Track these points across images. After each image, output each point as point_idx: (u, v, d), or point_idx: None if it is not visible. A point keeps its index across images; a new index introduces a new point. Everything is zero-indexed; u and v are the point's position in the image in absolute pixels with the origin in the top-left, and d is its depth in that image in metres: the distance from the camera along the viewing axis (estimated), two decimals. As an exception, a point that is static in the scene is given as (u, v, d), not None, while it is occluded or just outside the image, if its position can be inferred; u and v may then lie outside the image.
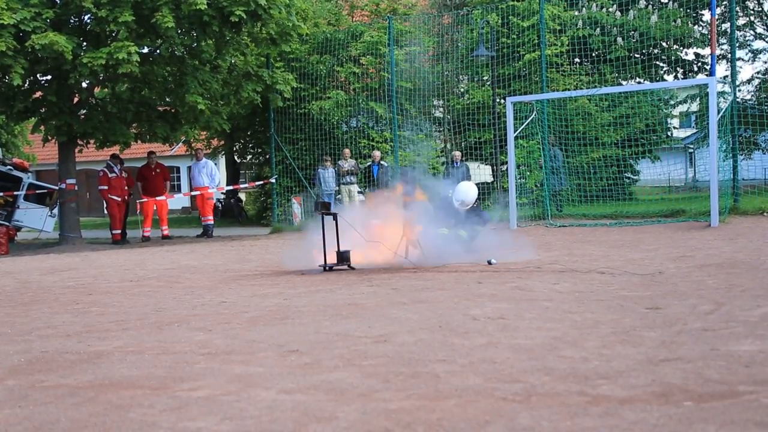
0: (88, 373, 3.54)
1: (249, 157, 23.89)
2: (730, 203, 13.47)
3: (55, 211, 16.38)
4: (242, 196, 25.09)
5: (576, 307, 4.76)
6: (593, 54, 19.28)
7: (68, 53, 12.31)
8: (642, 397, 2.71)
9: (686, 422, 2.40)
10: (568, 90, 17.25)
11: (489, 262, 7.50)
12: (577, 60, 19.25)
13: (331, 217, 7.55)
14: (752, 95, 25.87)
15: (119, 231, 15.31)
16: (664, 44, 21.62)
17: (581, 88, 17.57)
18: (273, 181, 17.54)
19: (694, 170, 32.73)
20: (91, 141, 15.60)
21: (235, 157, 24.48)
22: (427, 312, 4.84)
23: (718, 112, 12.14)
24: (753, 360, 3.18)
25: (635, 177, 22.86)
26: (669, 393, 2.74)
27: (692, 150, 34.72)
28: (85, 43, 13.81)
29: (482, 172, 19.56)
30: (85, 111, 14.98)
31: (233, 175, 24.71)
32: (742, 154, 17.96)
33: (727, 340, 3.61)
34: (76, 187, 15.25)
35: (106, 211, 16.74)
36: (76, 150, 15.47)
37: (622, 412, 2.54)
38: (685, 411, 2.52)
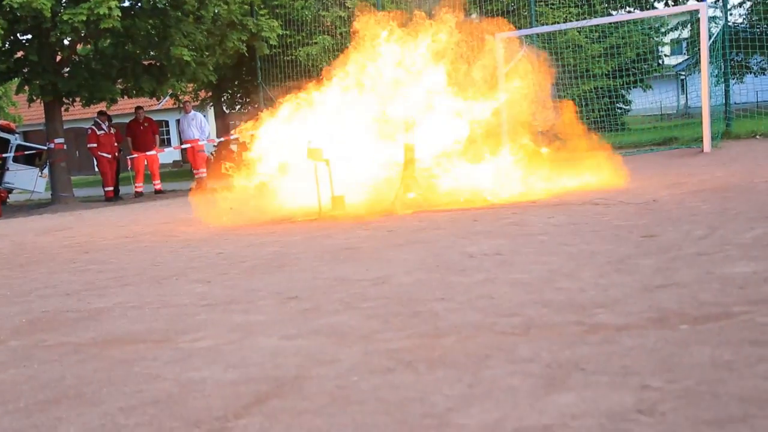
0: (90, 330, 3.56)
1: (238, 107, 23.69)
2: (722, 128, 13.46)
3: (46, 171, 16.32)
4: (233, 146, 24.96)
5: (571, 239, 4.79)
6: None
7: (47, 10, 12.08)
8: (639, 323, 2.74)
9: (683, 345, 2.43)
10: (558, 23, 17.03)
11: (486, 199, 7.52)
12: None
13: (324, 162, 7.52)
14: (744, 18, 25.56)
15: (111, 188, 15.28)
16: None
17: (571, 21, 17.35)
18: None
19: (686, 97, 32.58)
20: (77, 99, 15.43)
21: (224, 108, 24.28)
22: (423, 252, 4.86)
23: (710, 38, 12.02)
24: (747, 281, 3.21)
25: (627, 107, 22.77)
26: (665, 318, 2.77)
27: (684, 77, 34.50)
28: (64, 0, 13.55)
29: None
30: (68, 69, 14.79)
31: (223, 126, 24.55)
32: (734, 78, 17.85)
33: (721, 263, 3.64)
34: (65, 147, 15.14)
35: (96, 169, 16.67)
36: (63, 109, 15.31)
37: (620, 338, 2.57)
38: (682, 334, 2.56)
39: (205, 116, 17.87)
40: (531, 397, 2.13)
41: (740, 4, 26.28)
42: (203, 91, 22.96)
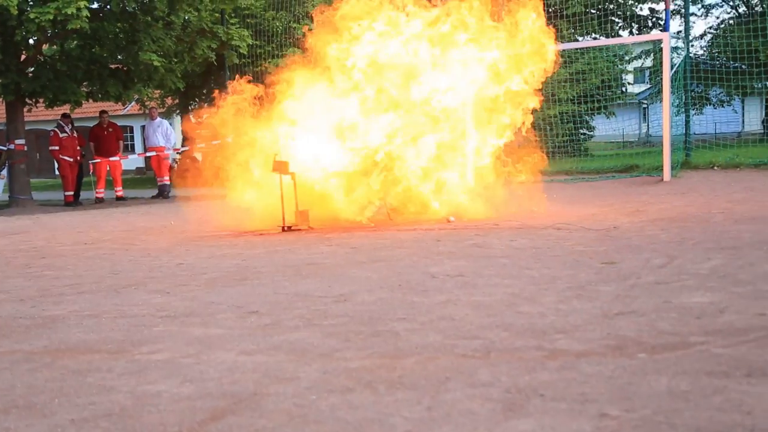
0: (44, 339, 3.49)
1: (205, 116, 23.55)
2: (682, 158, 13.73)
3: (4, 172, 15.99)
4: (198, 156, 24.74)
5: (533, 263, 4.83)
6: (549, 10, 19.27)
7: (13, 8, 11.89)
8: (598, 350, 2.77)
9: (640, 374, 2.46)
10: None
11: (448, 220, 7.55)
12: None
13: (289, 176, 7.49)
14: (705, 50, 26.20)
15: (72, 192, 15.02)
16: (620, 0, 21.71)
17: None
18: (230, 140, 17.29)
19: (648, 125, 33.22)
20: (41, 100, 15.18)
21: (191, 117, 24.12)
22: (386, 270, 4.86)
23: (672, 68, 12.29)
24: (704, 312, 3.26)
25: (590, 133, 23.12)
26: (624, 345, 2.80)
27: (646, 105, 35.18)
28: (31, -1, 13.36)
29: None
30: (33, 69, 14.56)
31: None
32: (693, 109, 18.26)
33: (679, 292, 3.70)
34: (25, 148, 14.88)
35: (57, 172, 16.40)
36: (25, 109, 15.05)
37: (579, 365, 2.59)
38: (639, 363, 2.59)
39: (171, 124, 17.72)
40: (490, 422, 2.13)
41: (701, 36, 26.95)
42: (170, 98, 22.76)
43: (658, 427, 2.01)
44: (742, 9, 25.67)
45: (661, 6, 24.58)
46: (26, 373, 2.93)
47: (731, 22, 25.52)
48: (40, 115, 22.09)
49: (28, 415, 2.42)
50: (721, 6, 26.80)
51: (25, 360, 3.12)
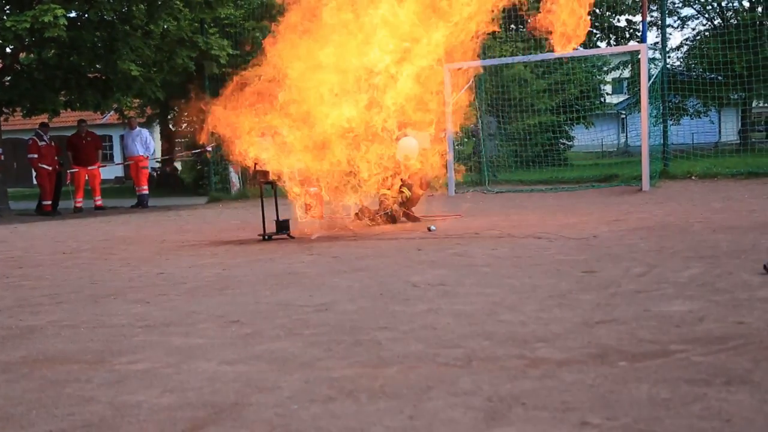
0: (21, 349, 3.44)
1: (184, 125, 23.45)
2: (660, 167, 13.86)
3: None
4: (178, 165, 24.62)
5: (514, 272, 4.84)
6: (528, 21, 19.44)
7: (-11, 17, 11.80)
8: (579, 358, 2.78)
9: (621, 382, 2.47)
10: (504, 57, 17.37)
11: (429, 229, 7.57)
12: (513, 26, 19.37)
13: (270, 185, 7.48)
14: (681, 62, 26.52)
15: (49, 201, 14.88)
16: (597, 11, 21.93)
17: (517, 55, 17.72)
18: (210, 149, 17.24)
19: (626, 135, 33.52)
20: (18, 109, 15.05)
21: (170, 126, 23.99)
22: (367, 280, 4.86)
23: (649, 79, 12.41)
24: (683, 320, 3.29)
25: (569, 143, 23.29)
26: (604, 354, 2.82)
27: (624, 116, 35.51)
28: (8, 6, 13.24)
29: (420, 138, 19.59)
30: (9, 78, 14.43)
31: (169, 144, 24.25)
32: (671, 120, 18.46)
33: (658, 301, 3.72)
34: (2, 157, 14.73)
35: (35, 181, 16.25)
36: (2, 118, 14.91)
37: (560, 373, 2.60)
38: (620, 371, 2.60)
39: (151, 133, 17.62)
40: (472, 430, 2.13)
41: (678, 48, 27.29)
42: (149, 108, 22.64)
43: (639, 435, 2.02)
44: (717, 21, 26.04)
45: (638, 17, 24.91)
46: (4, 384, 2.89)
47: (707, 33, 25.87)
48: (17, 124, 21.92)
49: (6, 427, 2.39)
50: (697, 18, 27.18)
51: (2, 371, 3.08)
